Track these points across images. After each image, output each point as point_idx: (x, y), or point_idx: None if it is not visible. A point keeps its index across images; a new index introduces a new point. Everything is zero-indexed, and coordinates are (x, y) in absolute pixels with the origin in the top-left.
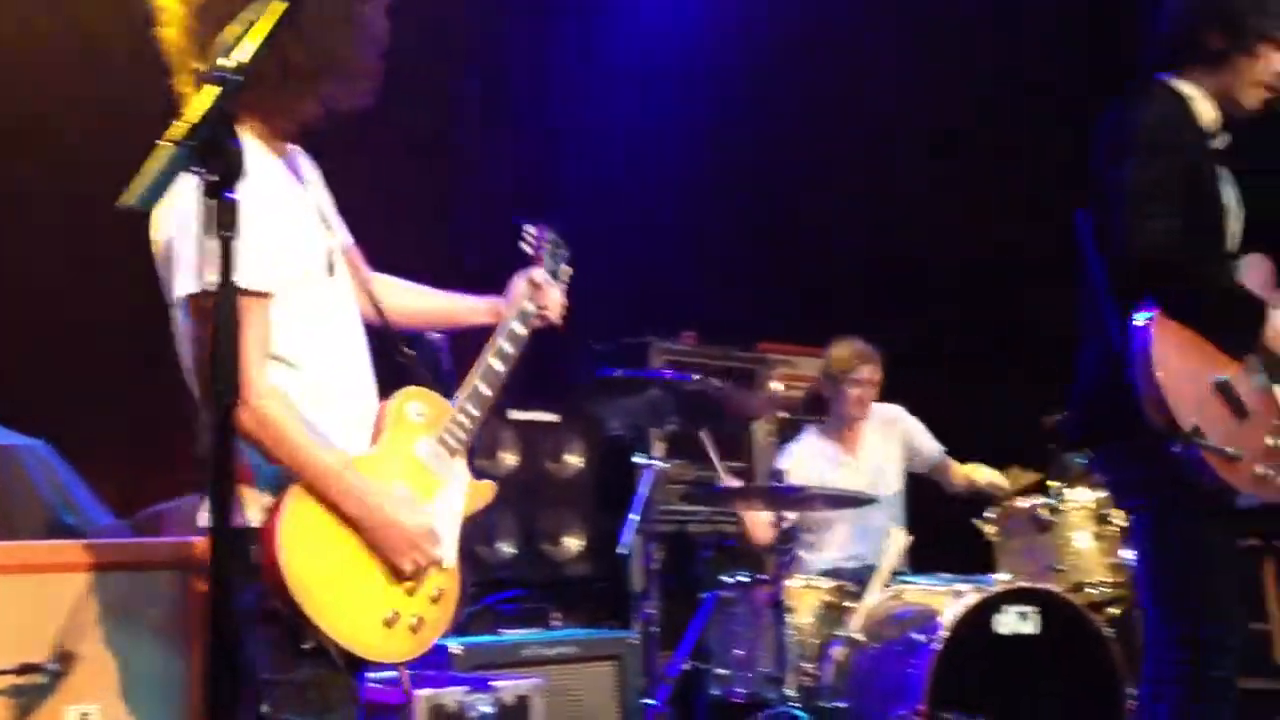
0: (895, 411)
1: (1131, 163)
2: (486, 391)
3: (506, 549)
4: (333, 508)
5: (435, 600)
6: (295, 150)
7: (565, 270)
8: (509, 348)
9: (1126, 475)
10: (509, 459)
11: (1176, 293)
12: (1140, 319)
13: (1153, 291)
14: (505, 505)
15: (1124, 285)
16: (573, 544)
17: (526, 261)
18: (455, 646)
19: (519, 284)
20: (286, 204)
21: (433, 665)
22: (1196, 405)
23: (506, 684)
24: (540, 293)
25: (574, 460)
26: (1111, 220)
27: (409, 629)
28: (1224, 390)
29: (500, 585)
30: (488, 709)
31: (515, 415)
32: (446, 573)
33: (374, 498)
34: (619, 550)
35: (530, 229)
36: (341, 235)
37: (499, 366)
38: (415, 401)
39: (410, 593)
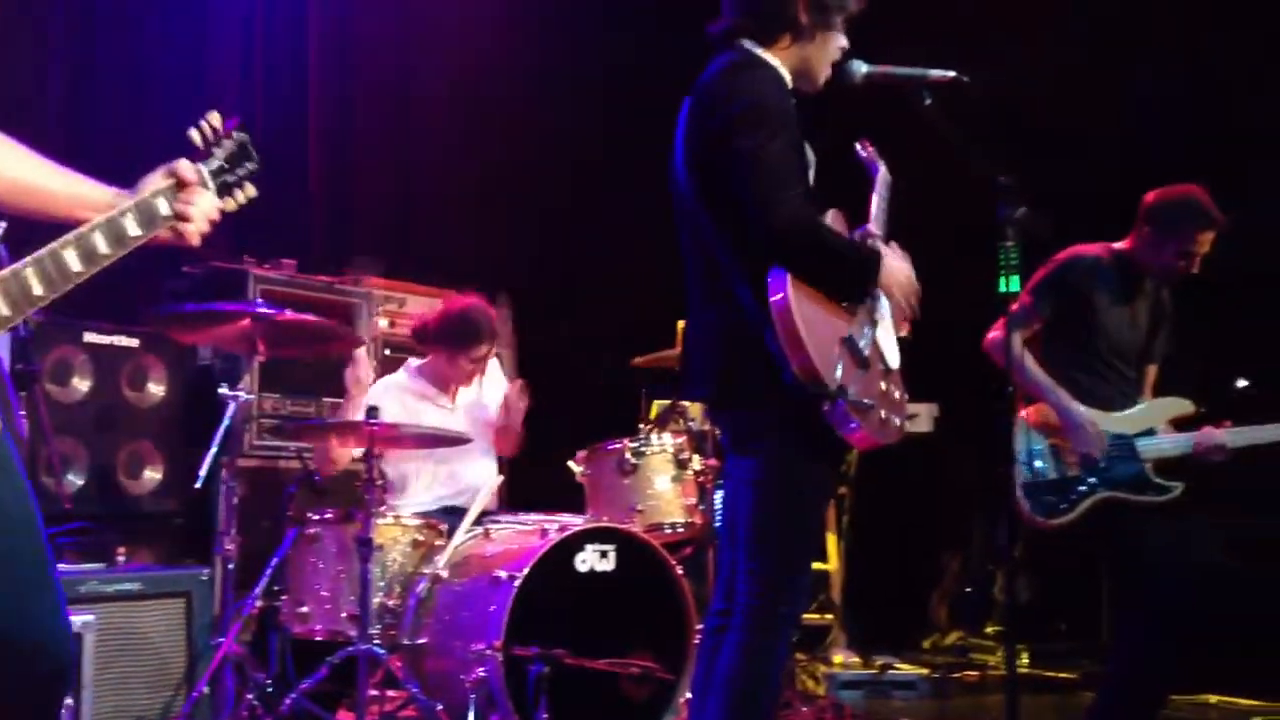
0: (496, 366)
1: (760, 134)
2: (36, 290)
3: (75, 480)
4: None
5: None
6: None
7: (245, 190)
8: (103, 245)
9: (746, 426)
10: (81, 385)
11: (810, 258)
12: (778, 286)
13: (789, 257)
14: (76, 434)
15: (762, 254)
16: (151, 477)
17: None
18: None
19: (157, 174)
20: None
21: None
22: (836, 363)
23: None
24: (186, 192)
25: (156, 389)
26: (744, 192)
27: None
28: (850, 345)
29: (66, 518)
30: None
31: (91, 338)
32: None
33: None
34: (197, 485)
35: (215, 117)
36: None
37: (74, 265)
38: None
39: None
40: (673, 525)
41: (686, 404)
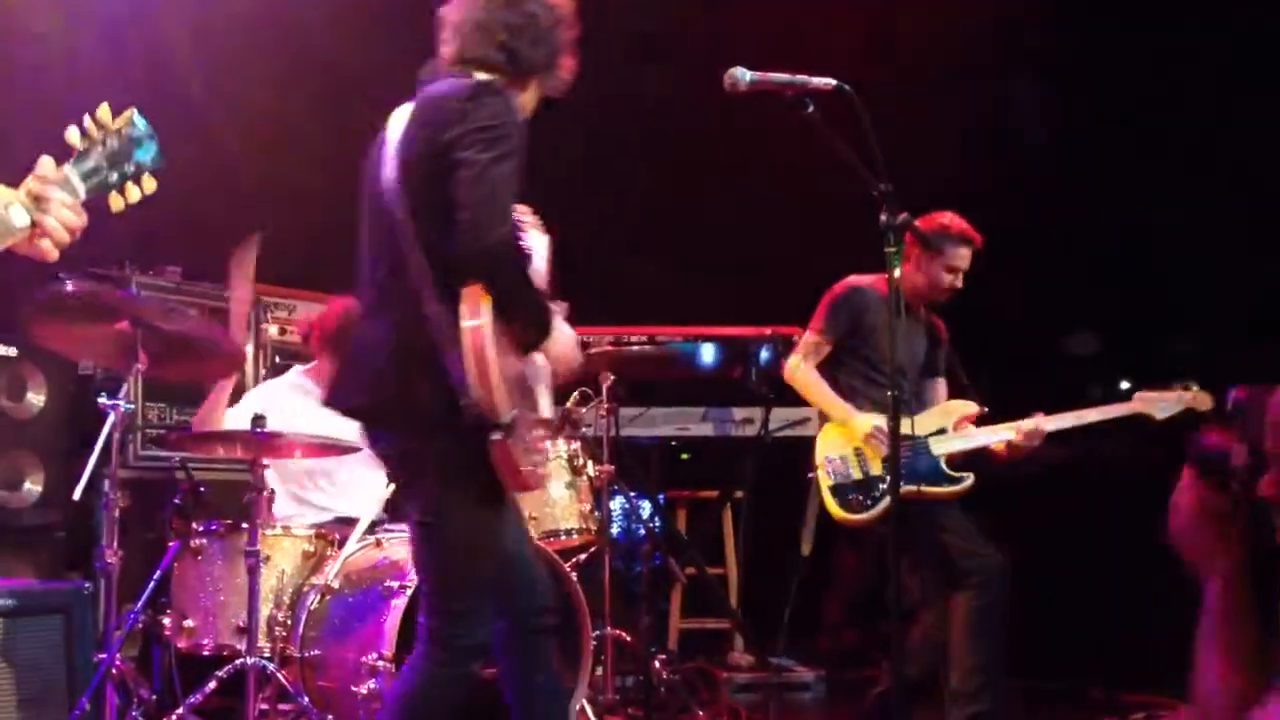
0: None
1: (497, 151)
2: None
3: None
4: None
5: None
6: None
7: (144, 185)
8: None
9: (410, 458)
10: None
11: (509, 283)
12: (472, 305)
13: (490, 276)
14: None
15: (462, 269)
16: (31, 489)
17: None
18: None
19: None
20: None
21: None
22: (511, 396)
23: None
24: (43, 202)
25: (35, 398)
26: (464, 202)
27: None
28: (521, 384)
29: None
30: None
31: None
32: None
33: None
34: (75, 497)
35: (104, 110)
36: None
37: None
38: None
39: None
40: (568, 531)
41: (582, 410)
